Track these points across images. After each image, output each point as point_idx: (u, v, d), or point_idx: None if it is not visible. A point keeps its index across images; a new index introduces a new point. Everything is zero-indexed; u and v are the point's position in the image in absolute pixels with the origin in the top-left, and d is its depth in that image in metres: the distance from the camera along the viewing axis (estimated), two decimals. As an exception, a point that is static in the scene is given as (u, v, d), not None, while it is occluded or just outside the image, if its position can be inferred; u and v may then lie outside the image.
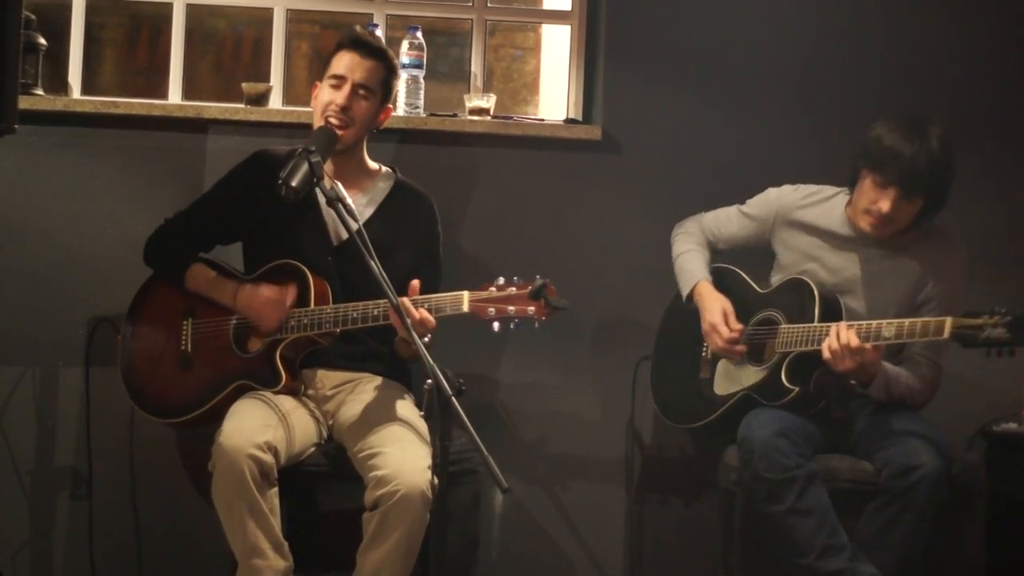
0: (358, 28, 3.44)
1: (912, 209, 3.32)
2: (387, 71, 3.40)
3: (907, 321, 3.17)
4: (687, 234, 3.69)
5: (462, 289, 3.09)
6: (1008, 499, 3.58)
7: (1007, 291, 3.89)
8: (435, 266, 3.50)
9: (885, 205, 3.28)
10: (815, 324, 3.30)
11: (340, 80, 3.34)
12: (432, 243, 3.51)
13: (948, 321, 3.07)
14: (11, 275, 3.78)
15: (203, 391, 3.32)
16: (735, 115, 4.00)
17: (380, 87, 3.38)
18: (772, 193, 3.60)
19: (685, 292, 3.61)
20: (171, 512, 3.79)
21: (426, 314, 3.06)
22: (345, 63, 3.35)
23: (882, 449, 3.29)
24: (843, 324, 3.22)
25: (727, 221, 3.64)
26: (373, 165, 3.50)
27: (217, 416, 3.18)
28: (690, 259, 3.63)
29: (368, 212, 3.42)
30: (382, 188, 3.48)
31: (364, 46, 3.36)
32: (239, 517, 3.02)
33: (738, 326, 3.47)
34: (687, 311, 3.64)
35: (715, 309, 3.50)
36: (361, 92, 3.34)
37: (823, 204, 3.49)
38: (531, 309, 3.01)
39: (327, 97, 3.34)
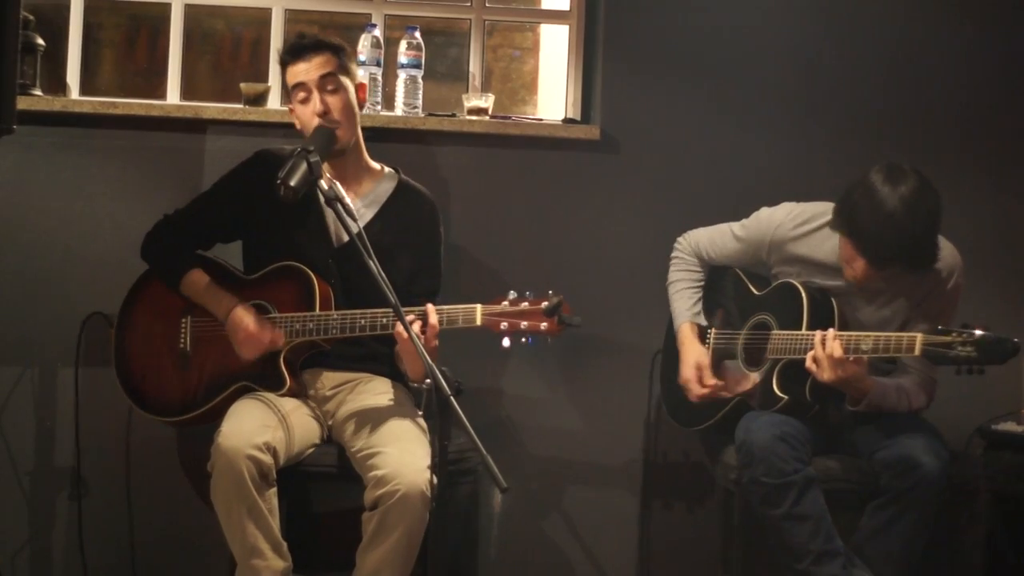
0: (287, 40, 3.42)
1: (889, 272, 3.26)
2: (336, 54, 3.37)
3: (883, 335, 3.15)
4: (681, 259, 3.66)
5: (467, 297, 3.08)
6: (1007, 497, 3.58)
7: (1003, 294, 3.91)
8: (435, 269, 3.49)
9: (859, 269, 3.24)
10: (803, 332, 3.30)
11: (304, 90, 3.32)
12: (433, 245, 3.50)
13: (919, 338, 3.05)
14: (10, 275, 3.78)
15: (203, 391, 3.31)
16: (734, 115, 4.01)
17: (341, 71, 3.36)
18: (765, 217, 3.51)
19: (675, 328, 3.62)
20: (169, 512, 3.79)
21: (433, 321, 3.06)
22: (298, 73, 3.33)
23: (881, 449, 3.29)
24: (830, 332, 3.20)
25: (722, 244, 3.60)
26: (375, 165, 3.50)
27: (217, 415, 3.19)
28: (678, 295, 3.63)
29: (369, 214, 3.41)
30: (384, 189, 3.47)
31: (301, 50, 3.35)
32: (238, 518, 3.02)
33: (711, 381, 3.48)
34: None
35: (690, 363, 3.51)
36: (329, 87, 3.33)
37: (816, 234, 3.40)
38: (544, 325, 3.00)
39: (306, 111, 3.33)
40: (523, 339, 3.02)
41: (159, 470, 3.76)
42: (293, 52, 3.36)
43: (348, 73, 3.39)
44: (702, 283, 3.64)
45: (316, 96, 3.31)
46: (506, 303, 3.04)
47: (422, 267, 3.44)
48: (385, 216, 3.43)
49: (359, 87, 3.42)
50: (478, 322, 3.06)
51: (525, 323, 3.01)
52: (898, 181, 3.16)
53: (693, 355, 3.52)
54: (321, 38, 3.40)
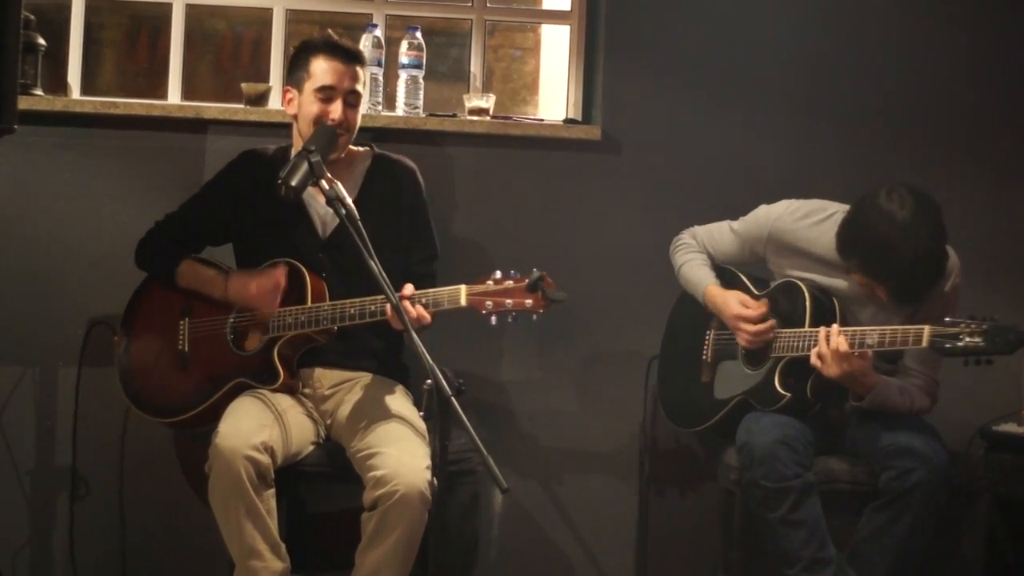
0: (330, 31, 3.42)
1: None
2: (364, 69, 3.41)
3: (888, 328, 3.15)
4: (684, 245, 3.66)
5: (459, 285, 3.09)
6: (1007, 499, 3.58)
7: (1006, 296, 3.90)
8: (428, 233, 3.50)
9: (882, 293, 3.23)
10: (805, 329, 3.29)
11: (330, 92, 3.32)
12: (420, 210, 3.50)
13: (927, 329, 3.05)
14: (11, 275, 3.79)
15: (201, 390, 3.32)
16: (735, 115, 4.00)
17: (362, 86, 3.39)
18: (763, 213, 3.51)
19: (700, 299, 3.58)
20: (168, 513, 3.80)
21: (422, 311, 3.07)
22: (331, 73, 3.32)
23: (881, 451, 3.28)
24: (834, 328, 3.20)
25: (720, 239, 3.61)
26: (351, 149, 3.49)
27: (215, 415, 3.19)
28: (693, 268, 3.60)
29: (351, 196, 3.40)
30: (361, 169, 3.47)
31: (344, 52, 3.34)
32: (236, 518, 3.03)
33: (760, 306, 3.40)
34: (689, 316, 3.64)
35: (731, 303, 3.44)
36: (351, 100, 3.34)
37: (815, 228, 3.40)
38: (528, 302, 3.01)
39: (316, 109, 3.32)
40: (509, 317, 3.02)
41: (158, 471, 3.75)
42: (333, 48, 3.34)
43: (364, 87, 3.42)
44: (710, 263, 3.63)
45: (339, 103, 3.31)
46: (490, 282, 3.05)
47: (414, 235, 3.45)
48: (366, 194, 3.41)
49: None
50: (463, 302, 3.07)
51: (510, 300, 3.02)
52: (904, 206, 3.14)
53: (731, 296, 3.46)
54: (357, 47, 3.42)
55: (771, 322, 3.39)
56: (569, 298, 3.07)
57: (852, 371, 3.19)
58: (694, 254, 3.63)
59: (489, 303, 3.03)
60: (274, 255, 3.34)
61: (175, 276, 3.41)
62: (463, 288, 3.07)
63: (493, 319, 3.04)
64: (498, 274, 3.05)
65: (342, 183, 3.36)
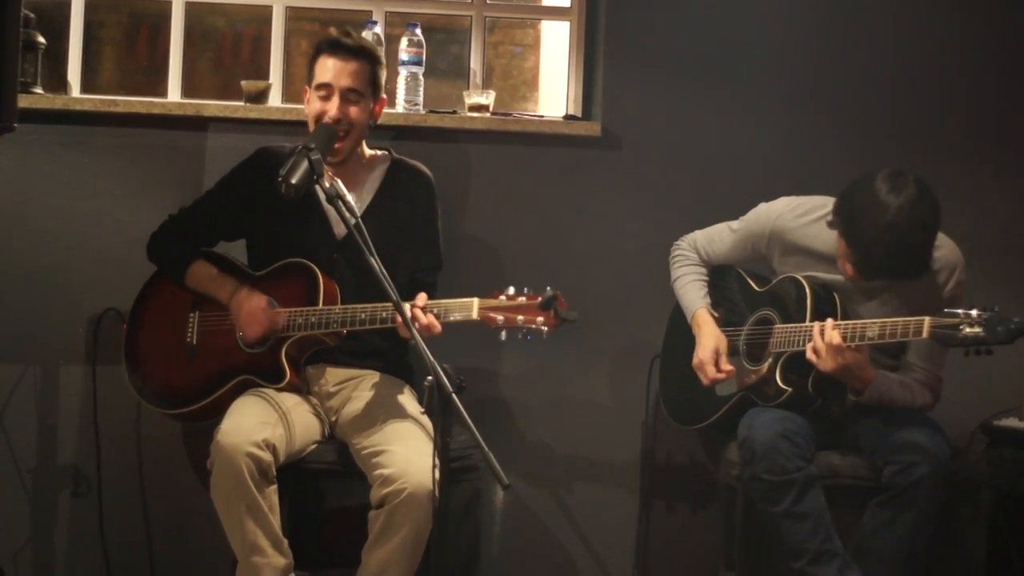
0: (334, 30, 3.41)
1: (877, 280, 3.27)
2: (372, 67, 3.38)
3: (889, 321, 3.15)
4: (682, 256, 3.65)
5: (467, 293, 3.09)
6: (1009, 494, 3.58)
7: (1006, 291, 3.90)
8: (435, 243, 3.51)
9: (848, 270, 3.24)
10: (805, 324, 3.29)
11: (327, 90, 3.32)
12: (431, 220, 3.51)
13: (927, 320, 3.05)
14: (11, 274, 3.78)
15: (206, 384, 3.33)
16: (735, 111, 4.00)
17: (368, 86, 3.37)
18: (763, 211, 3.50)
19: (688, 320, 3.59)
20: (170, 510, 3.80)
21: (433, 319, 3.07)
22: (329, 70, 3.32)
23: (883, 446, 3.28)
24: (829, 322, 3.20)
25: (720, 242, 3.60)
26: (369, 153, 3.49)
27: (219, 409, 3.20)
28: (687, 287, 3.61)
29: (366, 200, 3.42)
30: (378, 174, 3.47)
31: (344, 48, 3.34)
32: (237, 515, 3.03)
33: (728, 368, 3.44)
34: None
35: (708, 347, 3.47)
36: (351, 97, 3.33)
37: (815, 225, 3.39)
38: (540, 320, 3.01)
39: (317, 108, 3.33)
40: (520, 335, 3.02)
41: (158, 469, 3.77)
42: (334, 47, 3.35)
43: (375, 86, 3.39)
44: (707, 277, 3.63)
45: (336, 100, 3.32)
46: (503, 298, 3.05)
47: (423, 243, 3.46)
48: (381, 200, 3.42)
49: (379, 102, 3.42)
50: (474, 316, 3.07)
51: (521, 317, 3.02)
52: (900, 191, 3.13)
53: (712, 339, 3.48)
54: (364, 45, 3.40)
55: (729, 377, 3.43)
56: (569, 295, 3.07)
57: (847, 364, 3.20)
58: (689, 268, 3.63)
59: (500, 318, 3.04)
60: (288, 254, 3.34)
61: (184, 278, 3.41)
62: (475, 301, 3.07)
63: (503, 334, 3.04)
64: (511, 290, 3.05)
65: (359, 186, 3.40)
